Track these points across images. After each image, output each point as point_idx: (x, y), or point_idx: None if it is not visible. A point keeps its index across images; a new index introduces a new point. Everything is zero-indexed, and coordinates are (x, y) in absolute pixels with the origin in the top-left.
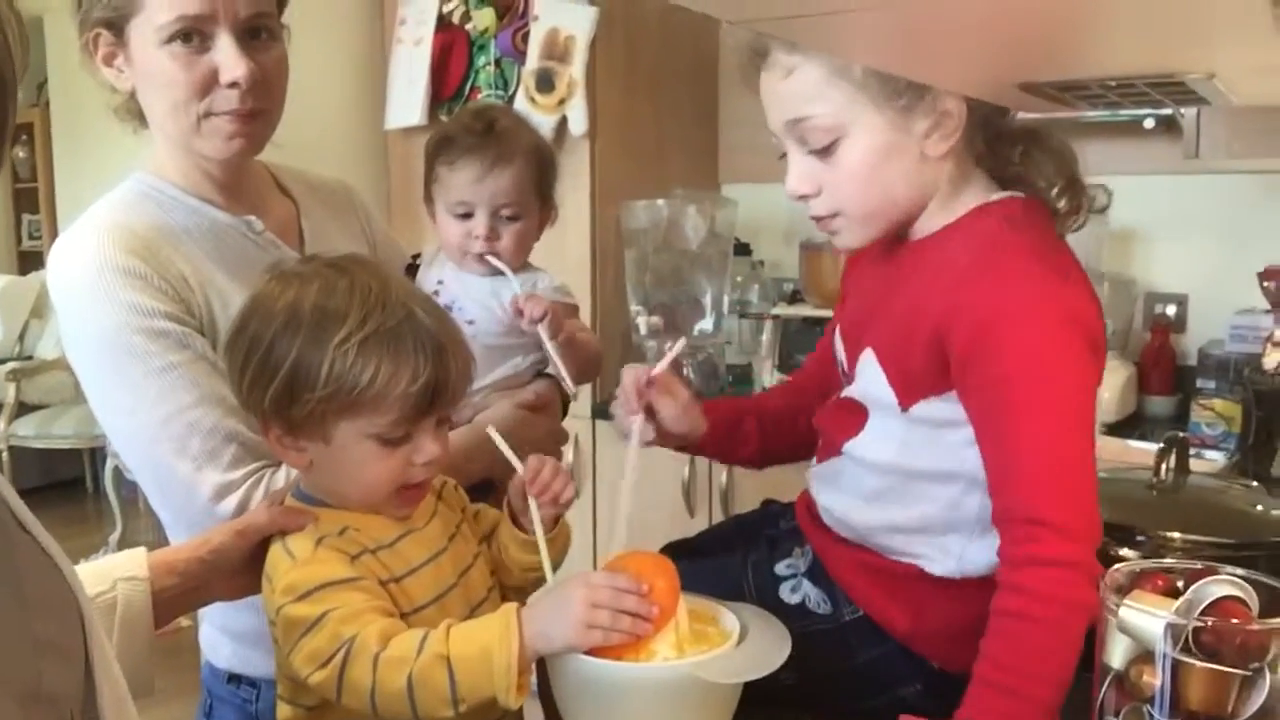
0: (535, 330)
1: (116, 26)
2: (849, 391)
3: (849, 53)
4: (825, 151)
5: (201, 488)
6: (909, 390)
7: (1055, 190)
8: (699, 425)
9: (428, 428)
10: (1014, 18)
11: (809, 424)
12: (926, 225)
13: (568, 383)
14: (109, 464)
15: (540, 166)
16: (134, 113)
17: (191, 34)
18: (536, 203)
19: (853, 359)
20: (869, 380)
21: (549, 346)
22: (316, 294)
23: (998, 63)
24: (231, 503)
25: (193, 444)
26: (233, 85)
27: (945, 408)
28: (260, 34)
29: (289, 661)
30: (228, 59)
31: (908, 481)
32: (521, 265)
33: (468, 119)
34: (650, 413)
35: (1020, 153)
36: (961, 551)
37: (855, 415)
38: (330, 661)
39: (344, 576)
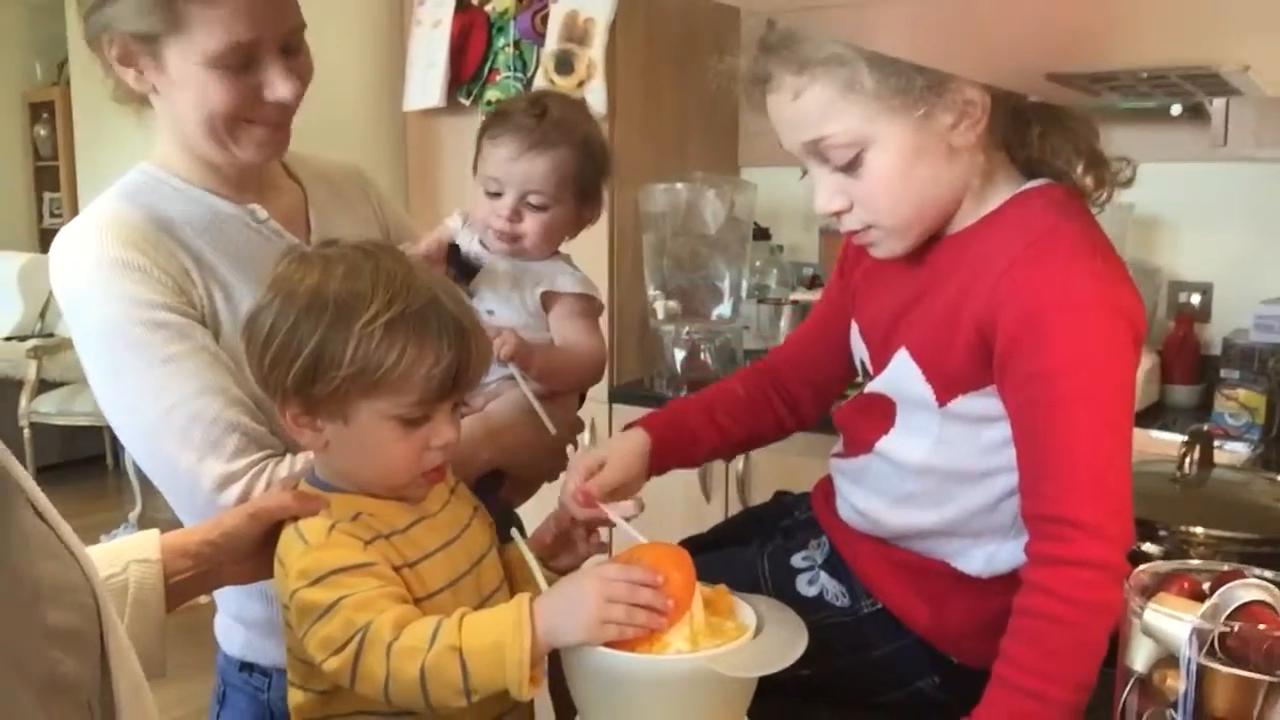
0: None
1: (149, 40)
2: (874, 387)
3: (873, 43)
4: (851, 166)
5: (204, 478)
6: (947, 386)
7: (1080, 168)
8: (641, 461)
9: (445, 411)
10: (1043, 7)
11: (783, 404)
12: (960, 221)
13: (546, 421)
14: None
15: (585, 162)
16: (135, 96)
17: (240, 57)
18: (573, 197)
19: (880, 359)
20: (902, 377)
21: (523, 387)
22: (342, 276)
23: (1026, 53)
24: (234, 493)
25: (195, 434)
26: (276, 102)
27: (984, 403)
28: (295, 43)
29: (302, 645)
30: (274, 79)
31: (941, 484)
32: (549, 254)
33: (525, 101)
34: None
35: (1039, 134)
36: (994, 552)
37: (883, 411)
38: (344, 649)
39: (358, 561)
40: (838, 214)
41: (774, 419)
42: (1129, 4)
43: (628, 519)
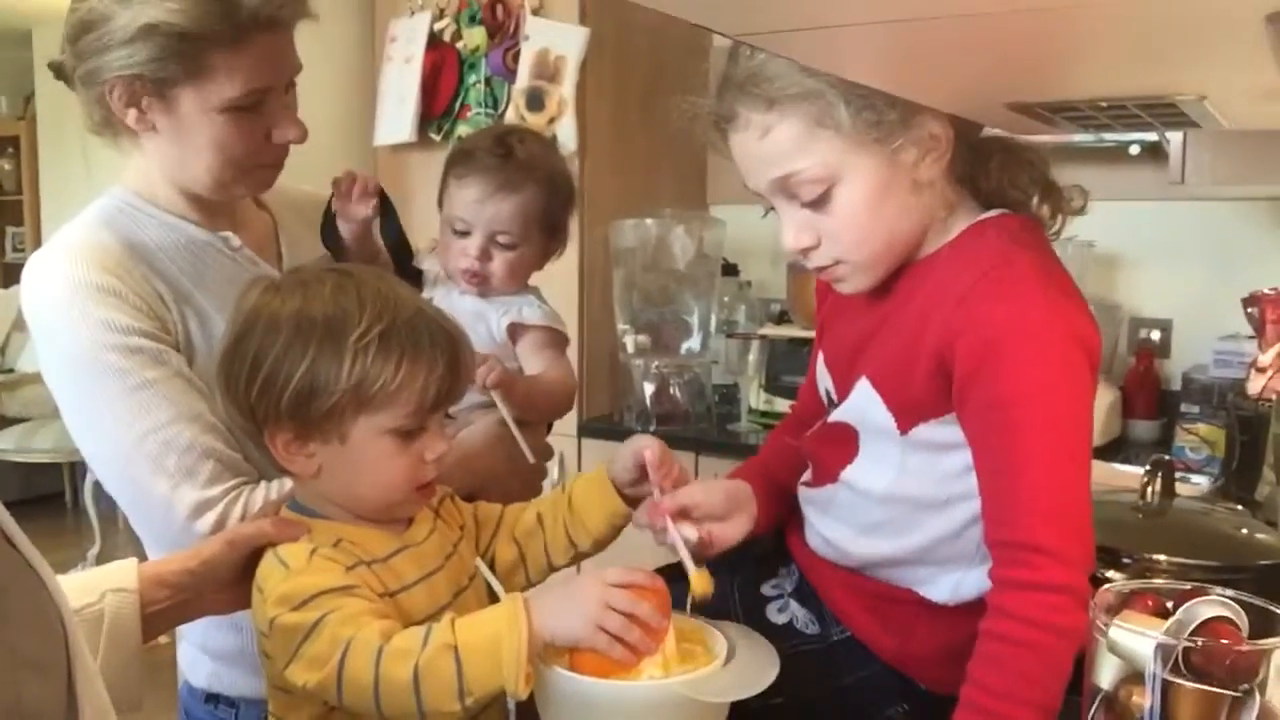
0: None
1: (162, 84)
2: (838, 416)
3: (840, 68)
4: (819, 202)
5: (178, 506)
6: (908, 414)
7: (1036, 198)
8: (746, 495)
9: (436, 423)
10: (1005, 37)
11: None
12: (923, 252)
13: (526, 451)
14: (89, 478)
15: (552, 199)
16: (114, 128)
17: (253, 102)
18: (540, 234)
19: (844, 388)
20: (864, 406)
21: (505, 413)
22: (327, 297)
23: (987, 82)
24: (209, 520)
25: (169, 461)
26: (284, 144)
27: (945, 431)
28: (292, 84)
29: (287, 673)
30: (284, 122)
31: (906, 512)
32: (519, 287)
33: (490, 140)
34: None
35: (997, 165)
36: (959, 580)
37: (847, 440)
38: (329, 662)
39: (340, 584)
40: (805, 251)
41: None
42: (1087, 35)
43: (688, 543)
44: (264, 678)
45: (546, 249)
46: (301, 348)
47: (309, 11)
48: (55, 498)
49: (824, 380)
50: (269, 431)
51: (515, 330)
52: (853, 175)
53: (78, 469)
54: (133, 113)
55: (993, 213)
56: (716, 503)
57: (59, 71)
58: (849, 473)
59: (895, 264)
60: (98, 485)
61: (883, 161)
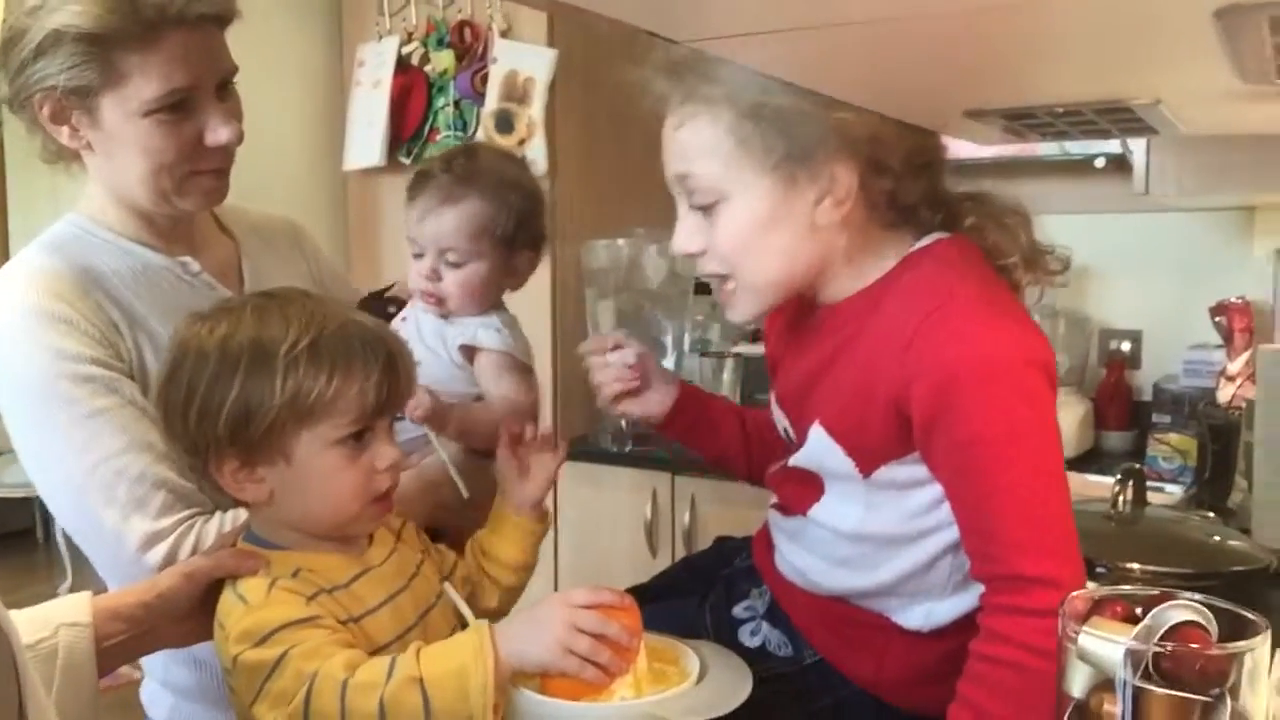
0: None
1: (83, 95)
2: (798, 460)
3: (792, 74)
4: (708, 210)
5: (129, 537)
6: (868, 458)
7: (1011, 261)
8: (671, 390)
9: (383, 430)
10: (958, 41)
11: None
12: (838, 289)
13: (459, 483)
14: None
15: (499, 210)
16: (65, 154)
17: (177, 104)
18: (493, 248)
19: (800, 430)
20: (822, 452)
21: (438, 448)
22: (251, 321)
23: (943, 87)
24: (160, 552)
25: (119, 492)
26: (219, 146)
27: (908, 470)
28: (227, 87)
29: (253, 711)
30: (215, 123)
31: (876, 548)
32: (481, 309)
33: (443, 158)
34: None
35: (971, 225)
36: (931, 609)
37: (810, 481)
38: (295, 699)
39: (301, 616)
40: (693, 256)
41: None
42: (1042, 40)
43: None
44: (229, 711)
45: (507, 263)
46: (231, 372)
47: (232, 9)
48: (26, 533)
49: (780, 419)
50: (215, 461)
51: (469, 352)
52: (743, 195)
53: None
54: (65, 130)
55: (925, 240)
56: (661, 377)
57: (8, 102)
58: (816, 511)
59: (784, 296)
60: None
61: (768, 192)
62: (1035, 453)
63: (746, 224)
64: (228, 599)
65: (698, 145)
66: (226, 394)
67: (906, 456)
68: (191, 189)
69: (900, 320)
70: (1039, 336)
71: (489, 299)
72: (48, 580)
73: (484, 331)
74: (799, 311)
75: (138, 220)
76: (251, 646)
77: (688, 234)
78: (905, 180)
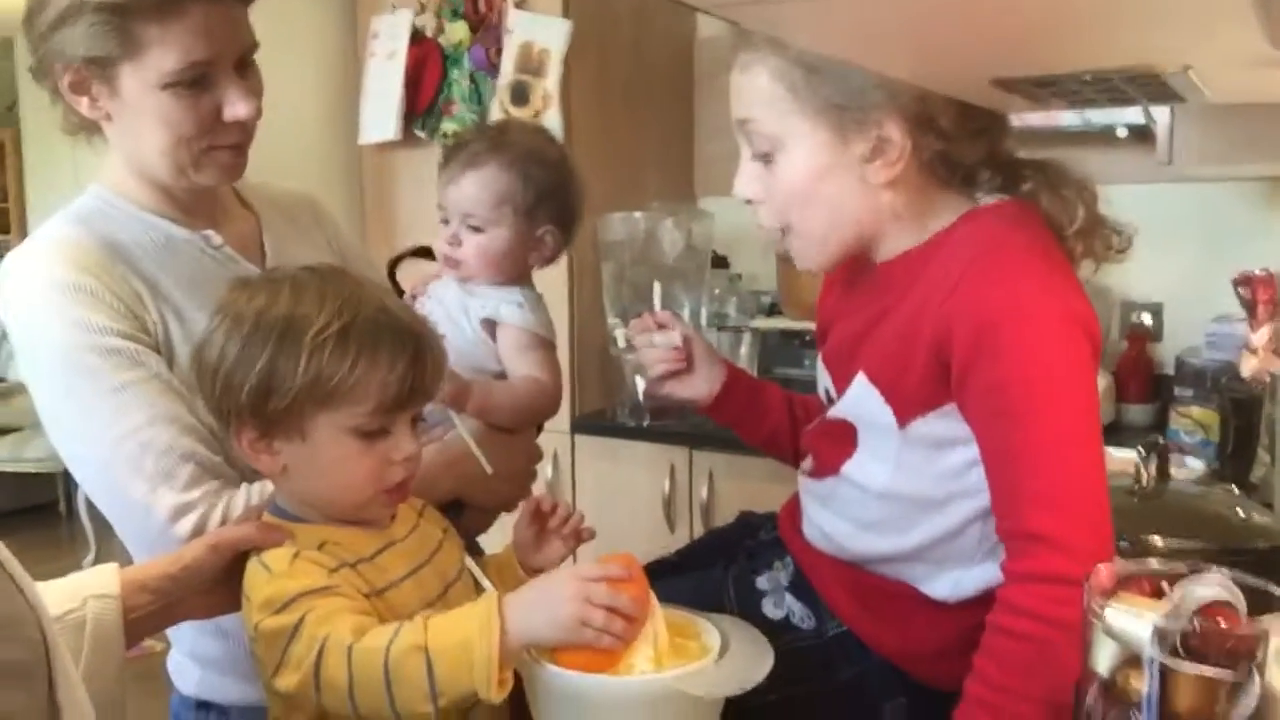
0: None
1: (102, 65)
2: (835, 412)
3: (821, 43)
4: (767, 158)
5: (157, 509)
6: (906, 406)
7: (1068, 234)
8: (719, 364)
9: (404, 423)
10: (987, 9)
11: None
12: (898, 245)
13: (482, 460)
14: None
15: (519, 180)
16: (85, 125)
17: (197, 78)
18: (514, 218)
19: (842, 384)
20: (862, 400)
21: (459, 427)
22: (289, 296)
23: (971, 56)
24: (189, 523)
25: (147, 464)
26: (237, 122)
27: (943, 425)
28: (248, 63)
29: (275, 681)
30: (233, 98)
31: (904, 510)
32: (499, 280)
33: (476, 128)
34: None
35: (1028, 191)
36: (959, 578)
37: (845, 436)
38: (305, 663)
39: (320, 585)
40: (752, 203)
41: None
42: (1070, 8)
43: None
44: (256, 682)
45: (528, 236)
46: (260, 344)
47: None
48: (49, 507)
49: (823, 380)
50: (235, 428)
51: (491, 326)
52: (794, 147)
53: (71, 478)
54: (85, 101)
55: (989, 199)
56: (712, 359)
57: (32, 71)
58: (849, 467)
59: (846, 248)
60: None
61: (823, 146)
62: (1065, 408)
63: (801, 174)
64: (253, 569)
65: (754, 91)
66: (252, 365)
67: (944, 406)
68: (209, 163)
69: (950, 264)
70: (1086, 305)
71: (509, 270)
72: (71, 554)
73: (506, 307)
74: (852, 274)
75: (158, 193)
76: (272, 614)
77: (747, 179)
78: (960, 142)
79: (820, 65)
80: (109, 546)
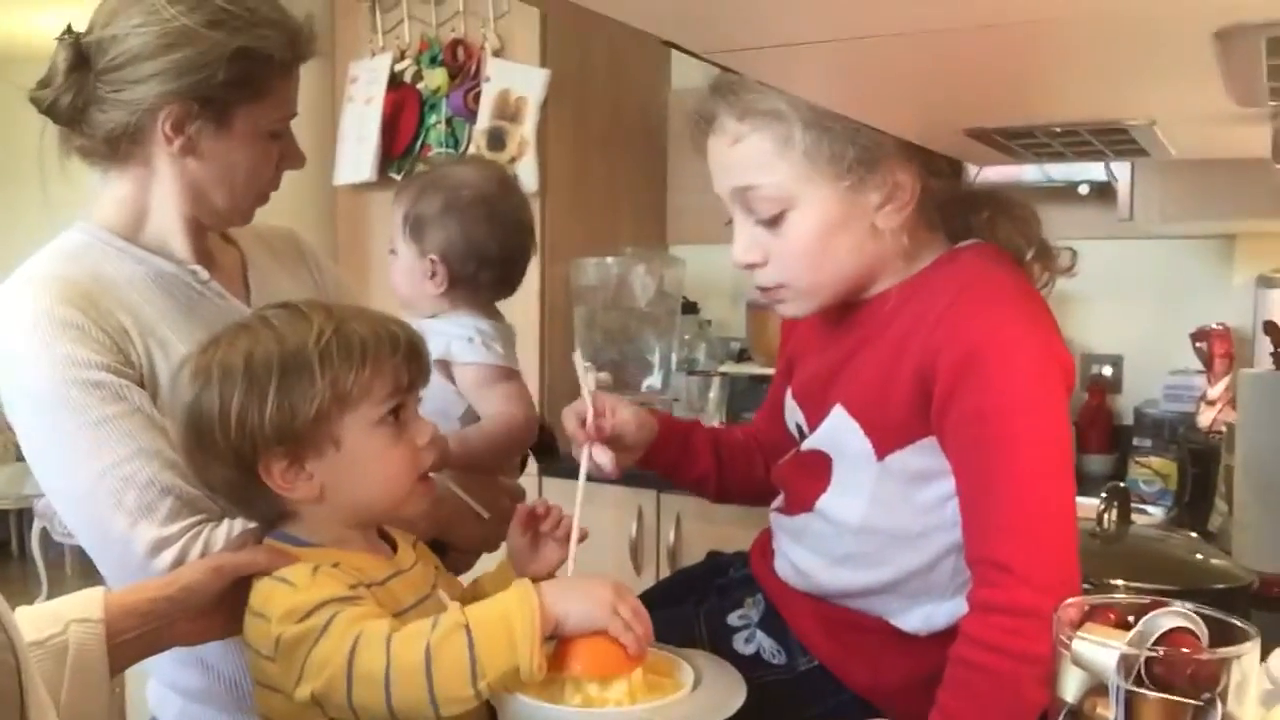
0: None
1: (223, 105)
2: (809, 444)
3: (799, 88)
4: (773, 222)
5: (137, 543)
6: (884, 439)
7: (1029, 255)
8: (651, 429)
9: (413, 406)
10: (960, 61)
11: (766, 468)
12: (883, 284)
13: (478, 509)
14: (35, 525)
15: (411, 206)
16: (105, 155)
17: (285, 129)
18: (403, 243)
19: (815, 417)
20: (838, 433)
21: (450, 485)
22: (272, 331)
23: (945, 105)
24: (168, 558)
25: (128, 498)
26: (287, 170)
27: (920, 459)
28: None
29: (297, 692)
30: (294, 151)
31: (879, 544)
32: (426, 305)
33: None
34: (605, 440)
35: (986, 219)
36: (931, 612)
37: (819, 468)
38: (338, 657)
39: (345, 594)
40: (751, 267)
41: (759, 473)
42: (1043, 59)
43: (590, 478)
44: (238, 713)
45: (418, 259)
46: (265, 376)
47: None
48: (1, 547)
49: (793, 415)
50: (262, 464)
51: (447, 368)
52: (808, 204)
53: (24, 516)
54: (168, 137)
55: (967, 242)
56: (645, 428)
57: (48, 103)
58: (823, 502)
59: (838, 297)
60: (45, 533)
61: (838, 197)
62: (1042, 443)
63: (815, 230)
64: (269, 586)
65: (758, 159)
66: (265, 395)
67: (923, 440)
68: (254, 208)
69: (935, 297)
70: (1062, 344)
71: (418, 291)
72: (24, 594)
73: (457, 344)
74: (835, 309)
75: (173, 228)
76: (295, 622)
77: (747, 246)
78: (954, 181)
79: (829, 124)
80: (59, 587)
